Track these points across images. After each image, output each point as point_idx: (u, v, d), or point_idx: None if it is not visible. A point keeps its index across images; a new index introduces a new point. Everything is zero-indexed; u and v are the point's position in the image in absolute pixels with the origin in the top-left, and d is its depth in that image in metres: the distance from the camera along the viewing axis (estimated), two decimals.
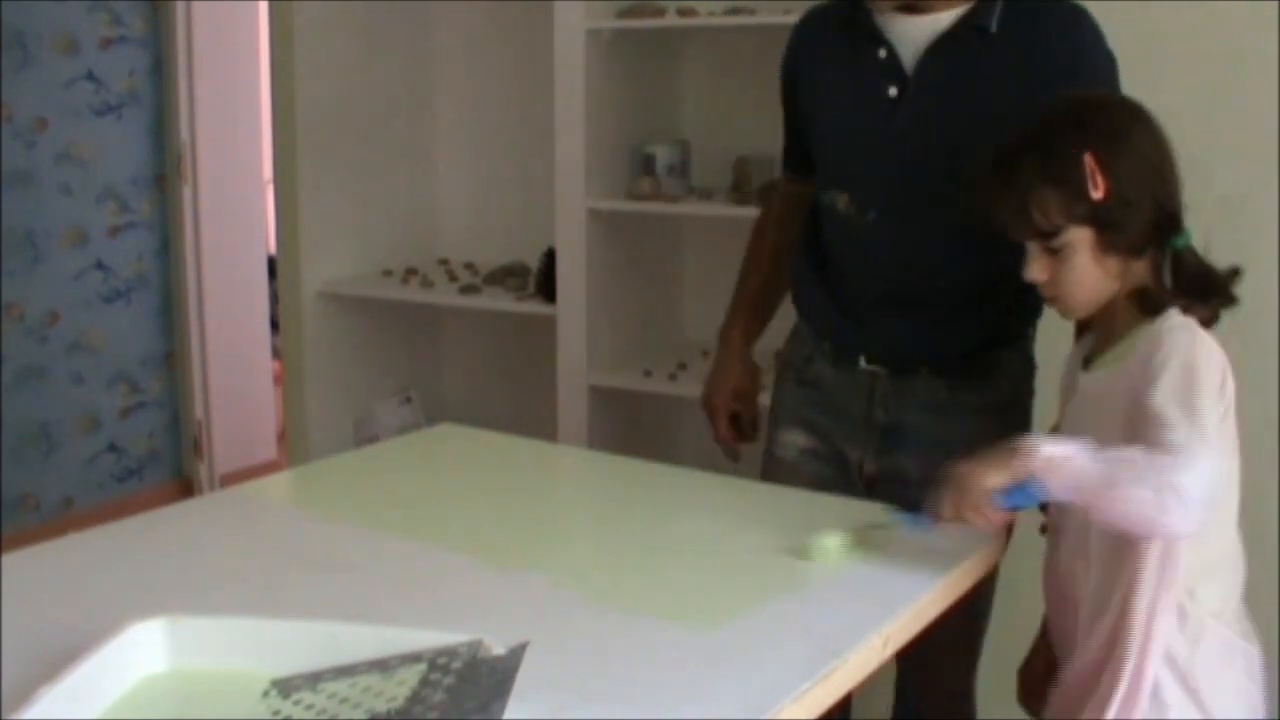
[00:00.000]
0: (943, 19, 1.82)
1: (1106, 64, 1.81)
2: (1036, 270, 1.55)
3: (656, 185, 2.98)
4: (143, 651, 1.20)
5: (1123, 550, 1.50)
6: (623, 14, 2.97)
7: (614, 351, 3.10)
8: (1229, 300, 1.53)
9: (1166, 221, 1.51)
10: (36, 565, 1.57)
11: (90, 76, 4.18)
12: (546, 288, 3.12)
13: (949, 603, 1.55)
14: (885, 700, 2.19)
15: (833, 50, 1.94)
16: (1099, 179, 1.47)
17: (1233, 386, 1.48)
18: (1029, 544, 1.77)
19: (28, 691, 1.08)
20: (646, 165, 3.02)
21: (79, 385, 4.25)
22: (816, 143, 1.99)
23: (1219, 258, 1.55)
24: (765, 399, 2.17)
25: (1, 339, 4.00)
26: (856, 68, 1.88)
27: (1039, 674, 1.75)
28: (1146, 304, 1.52)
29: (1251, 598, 1.59)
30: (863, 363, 1.93)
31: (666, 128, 3.16)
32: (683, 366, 3.03)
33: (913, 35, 1.83)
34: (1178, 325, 1.48)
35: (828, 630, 1.38)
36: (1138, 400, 1.44)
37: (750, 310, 2.18)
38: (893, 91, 1.84)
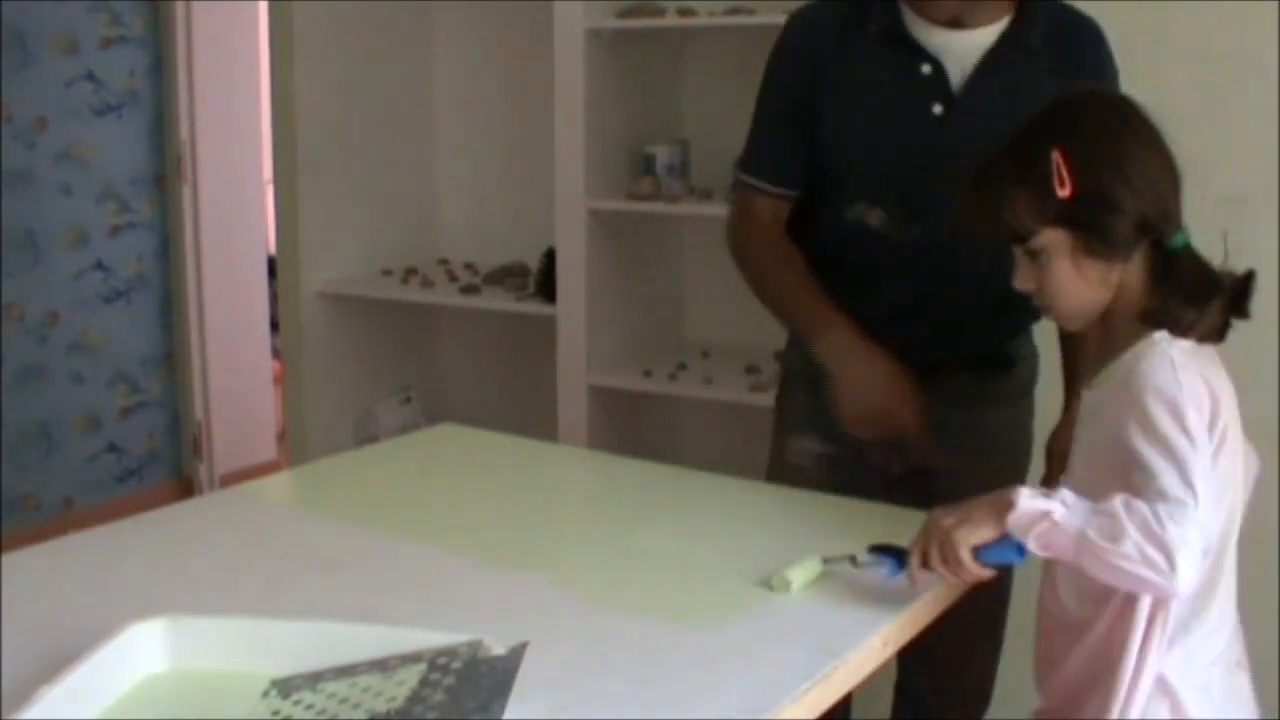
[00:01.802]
0: (987, 33, 1.79)
1: (1113, 79, 1.84)
2: (1023, 278, 1.49)
3: (656, 185, 2.98)
4: (143, 651, 1.20)
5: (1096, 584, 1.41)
6: (623, 14, 2.97)
7: (614, 351, 3.10)
8: (1235, 307, 1.42)
9: (1155, 223, 1.41)
10: (36, 565, 1.57)
11: (90, 76, 4.17)
12: (546, 288, 3.12)
13: (949, 603, 1.54)
14: (885, 700, 2.18)
15: (860, 58, 1.86)
16: (1065, 176, 1.39)
17: (1227, 419, 1.40)
18: None
19: (28, 691, 1.08)
20: (646, 165, 3.02)
21: (79, 385, 4.25)
22: (836, 155, 1.90)
23: (1218, 259, 1.45)
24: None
25: (1, 339, 4.00)
26: (895, 82, 1.83)
27: None
28: (1146, 317, 1.43)
29: (1252, 597, 1.56)
30: None
31: (666, 128, 3.16)
32: (683, 366, 3.03)
33: (958, 51, 1.80)
34: (1154, 351, 1.39)
35: (828, 630, 1.38)
36: (1119, 435, 1.37)
37: (831, 306, 1.89)
38: (938, 109, 1.81)
